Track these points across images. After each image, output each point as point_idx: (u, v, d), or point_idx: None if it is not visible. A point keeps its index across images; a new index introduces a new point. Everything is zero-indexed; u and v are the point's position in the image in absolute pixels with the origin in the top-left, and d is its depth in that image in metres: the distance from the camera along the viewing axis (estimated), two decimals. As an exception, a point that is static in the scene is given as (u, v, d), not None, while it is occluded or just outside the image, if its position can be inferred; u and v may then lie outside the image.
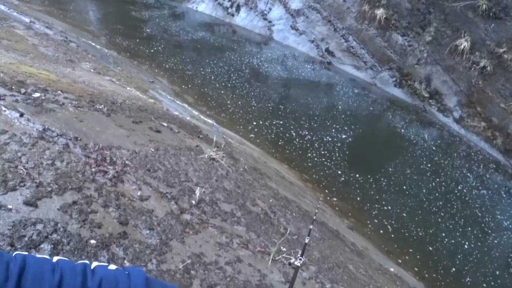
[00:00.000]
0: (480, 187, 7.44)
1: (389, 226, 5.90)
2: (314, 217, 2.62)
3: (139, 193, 2.36)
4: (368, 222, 5.90)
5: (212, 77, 9.18)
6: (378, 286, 3.28)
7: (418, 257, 5.53)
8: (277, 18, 12.36)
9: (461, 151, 8.51)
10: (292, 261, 2.60)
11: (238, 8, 13.03)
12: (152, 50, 10.06)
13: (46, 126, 2.56)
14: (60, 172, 2.12)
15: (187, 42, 11.23)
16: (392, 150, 8.11)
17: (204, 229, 2.41)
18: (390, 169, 7.29)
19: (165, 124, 4.14)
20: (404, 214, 6.23)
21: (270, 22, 12.47)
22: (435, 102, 9.96)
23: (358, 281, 3.07)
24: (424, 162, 7.80)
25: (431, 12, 10.25)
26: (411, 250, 5.62)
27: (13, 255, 0.70)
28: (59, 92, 3.41)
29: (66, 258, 0.74)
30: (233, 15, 13.04)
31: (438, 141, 8.76)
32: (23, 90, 3.07)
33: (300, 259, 1.90)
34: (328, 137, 7.72)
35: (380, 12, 10.62)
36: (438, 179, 7.32)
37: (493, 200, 7.14)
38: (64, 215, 1.86)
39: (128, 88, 5.71)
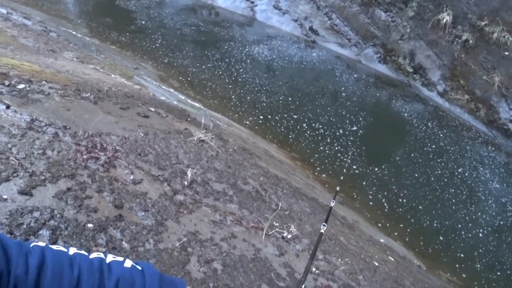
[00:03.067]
0: (464, 157, 7.65)
1: (378, 200, 6.06)
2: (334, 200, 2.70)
3: (131, 177, 2.41)
4: (358, 196, 6.05)
5: (197, 61, 9.11)
6: (369, 256, 3.42)
7: (408, 228, 5.72)
8: (259, -3, 12.22)
9: (446, 123, 8.69)
10: (285, 234, 2.70)
11: (219, -11, 12.81)
12: (134, 36, 9.90)
13: (34, 117, 2.57)
14: (51, 160, 2.15)
15: (169, 26, 11.06)
16: (378, 125, 8.22)
17: (198, 208, 2.48)
18: (376, 143, 7.43)
19: (153, 109, 4.15)
20: (393, 187, 6.40)
21: (252, 2, 12.32)
22: (419, 76, 10.07)
23: (349, 251, 3.20)
24: (410, 136, 7.97)
25: (414, -14, 10.26)
26: (400, 222, 5.81)
27: (31, 246, 0.68)
28: (44, 82, 3.39)
29: (82, 251, 0.73)
30: (214, -4, 12.84)
31: (423, 115, 8.92)
32: (7, 82, 3.04)
33: (324, 225, 2.00)
34: (314, 114, 7.79)
35: (362, -12, 10.58)
36: (424, 152, 7.50)
37: (477, 169, 7.36)
38: (59, 202, 1.90)
39: (113, 76, 5.66)
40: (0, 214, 1.80)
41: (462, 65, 9.52)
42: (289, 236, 2.70)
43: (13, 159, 2.02)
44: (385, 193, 6.21)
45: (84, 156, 2.32)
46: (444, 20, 9.50)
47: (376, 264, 3.36)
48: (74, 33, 8.40)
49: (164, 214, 2.21)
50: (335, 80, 9.57)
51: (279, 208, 3.18)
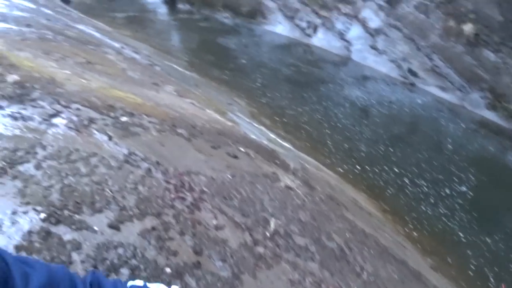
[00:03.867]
0: None
1: (482, 272, 5.25)
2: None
3: (214, 222, 2.35)
4: (454, 263, 5.31)
5: (289, 100, 9.19)
6: None
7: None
8: (356, 37, 12.09)
9: None
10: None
11: (315, 29, 13.02)
12: (230, 72, 10.42)
13: (131, 150, 2.70)
14: (141, 196, 2.20)
15: (264, 64, 11.45)
16: (490, 183, 7.27)
17: (277, 263, 2.31)
18: (488, 206, 6.55)
19: (243, 150, 4.17)
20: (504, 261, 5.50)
21: (348, 42, 12.24)
22: (536, 126, 8.86)
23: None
24: None
25: (528, 26, 9.25)
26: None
27: (128, 286, 0.80)
28: (144, 116, 3.61)
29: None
30: (310, 36, 13.06)
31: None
32: (112, 114, 3.29)
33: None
34: (411, 165, 7.21)
35: (468, 28, 9.84)
36: None
37: None
38: (143, 240, 1.90)
39: (207, 111, 5.92)
40: (89, 246, 1.85)
41: None
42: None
43: (108, 191, 2.10)
44: (494, 266, 5.35)
45: (172, 195, 2.34)
46: None
47: None
48: (176, 67, 9.11)
49: (241, 267, 2.09)
50: (439, 128, 8.84)
51: (364, 271, 2.86)
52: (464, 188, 6.81)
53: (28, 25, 5.98)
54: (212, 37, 12.90)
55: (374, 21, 11.56)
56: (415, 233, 5.62)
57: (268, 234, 2.56)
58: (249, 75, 10.33)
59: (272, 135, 6.90)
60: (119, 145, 2.71)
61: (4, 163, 2.00)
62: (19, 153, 2.12)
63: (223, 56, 11.62)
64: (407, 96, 10.20)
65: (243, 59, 11.53)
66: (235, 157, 3.77)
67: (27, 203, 1.83)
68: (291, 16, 13.42)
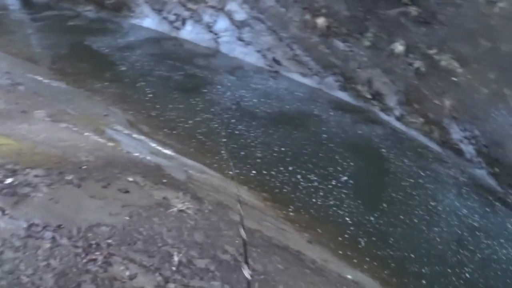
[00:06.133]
0: (423, 175, 8.33)
1: (343, 229, 6.57)
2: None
3: (127, 273, 2.72)
4: (324, 230, 6.54)
5: (161, 98, 9.38)
6: (336, 305, 3.87)
7: (372, 255, 6.22)
8: (223, 30, 12.67)
9: (404, 145, 9.40)
10: (263, 305, 3.09)
11: (183, 22, 13.17)
12: (99, 75, 10.05)
13: (30, 220, 2.83)
14: (57, 271, 2.44)
15: (134, 61, 11.27)
16: (338, 149, 8.73)
17: (187, 294, 2.83)
18: (339, 169, 7.95)
19: (131, 179, 4.44)
20: (356, 213, 6.91)
21: (216, 34, 12.76)
22: (377, 102, 10.80)
23: (319, 305, 3.64)
24: (371, 158, 8.58)
25: (368, 19, 11.06)
26: (365, 251, 6.30)
27: None
28: (28, 170, 3.62)
29: None
30: (179, 29, 13.17)
31: (383, 138, 9.61)
32: (-4, 179, 3.26)
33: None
34: (279, 146, 8.27)
35: (321, 21, 11.28)
36: (383, 174, 8.14)
37: (436, 187, 8.02)
38: (73, 320, 2.20)
39: (86, 134, 5.88)
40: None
41: (416, 91, 10.33)
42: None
43: (24, 277, 2.29)
44: (348, 219, 6.72)
45: (84, 260, 2.62)
46: (398, 49, 10.34)
47: (343, 312, 3.82)
48: (41, 79, 8.47)
49: (159, 309, 2.55)
50: (297, 108, 10.12)
51: (255, 273, 3.58)
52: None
53: None
54: (80, 38, 12.03)
55: (240, 14, 12.26)
56: (291, 214, 6.67)
57: (174, 268, 3.03)
58: (114, 76, 10.12)
59: (153, 144, 7.14)
60: (15, 218, 2.81)
61: None
62: None
63: (87, 58, 11.03)
64: (271, 83, 11.27)
65: (107, 58, 11.13)
66: (127, 191, 4.06)
67: None
68: (158, 9, 13.27)
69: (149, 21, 13.49)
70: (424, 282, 5.92)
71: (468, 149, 9.25)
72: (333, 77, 11.39)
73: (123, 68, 10.73)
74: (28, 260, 2.44)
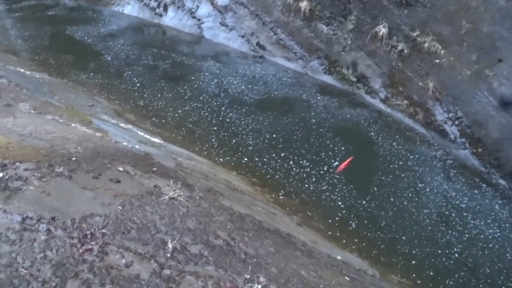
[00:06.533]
0: (409, 157, 8.54)
1: (332, 212, 6.74)
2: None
3: (123, 261, 2.79)
4: (314, 213, 6.70)
5: (148, 87, 9.33)
6: (327, 283, 4.02)
7: (361, 237, 6.41)
8: (206, 15, 12.55)
9: (389, 127, 9.59)
10: (255, 287, 3.21)
11: (165, 8, 12.98)
12: (82, 65, 9.90)
13: (24, 214, 2.85)
14: (54, 262, 2.49)
15: (117, 50, 11.11)
16: (327, 134, 8.88)
17: (183, 278, 2.91)
18: (330, 154, 8.10)
19: (121, 169, 4.47)
20: (346, 194, 7.08)
21: (199, 20, 12.63)
22: (362, 85, 10.92)
23: (310, 285, 3.77)
24: (359, 141, 8.75)
25: (351, 2, 11.07)
26: (354, 233, 6.47)
27: None
28: (18, 163, 3.62)
29: None
30: (161, 15, 12.99)
31: (369, 120, 9.77)
32: (-15, 173, 3.26)
33: None
34: (270, 133, 8.36)
35: (304, 4, 11.25)
36: (370, 156, 8.33)
37: (421, 167, 8.25)
38: (73, 308, 2.26)
39: (73, 125, 5.84)
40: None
41: (400, 73, 10.47)
42: (259, 287, 3.21)
43: (22, 269, 2.34)
44: (339, 203, 6.89)
45: (80, 250, 2.67)
46: (381, 32, 10.40)
47: (333, 290, 3.98)
48: (22, 71, 8.31)
49: (156, 294, 2.63)
50: (284, 93, 10.19)
51: (248, 256, 3.69)
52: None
53: None
54: (61, 28, 11.77)
55: (221, -2, 12.14)
56: (281, 198, 6.80)
57: (168, 255, 3.11)
58: (97, 65, 9.99)
59: (141, 133, 7.13)
60: (9, 212, 2.83)
61: None
62: None
63: (69, 48, 10.81)
64: (256, 68, 11.26)
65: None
66: (118, 181, 4.09)
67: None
68: (139, -5, 13.04)
69: (130, 8, 13.26)
70: (413, 262, 6.14)
71: (452, 130, 9.47)
72: (318, 61, 11.45)
73: (107, 58, 10.58)
74: (25, 253, 2.48)
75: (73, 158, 4.25)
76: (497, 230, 6.90)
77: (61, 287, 2.33)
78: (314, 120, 9.20)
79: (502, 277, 6.09)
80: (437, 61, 9.89)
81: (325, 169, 7.64)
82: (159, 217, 3.63)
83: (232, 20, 12.28)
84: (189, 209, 4.09)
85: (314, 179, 7.35)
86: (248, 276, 3.29)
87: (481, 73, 9.08)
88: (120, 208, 3.49)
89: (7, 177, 3.31)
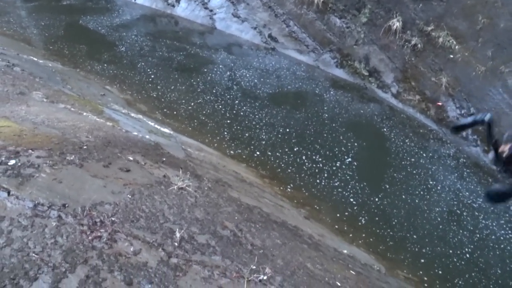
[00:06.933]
0: (419, 153, 8.48)
1: (340, 206, 6.74)
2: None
3: (132, 249, 2.84)
4: (321, 207, 6.70)
5: (159, 78, 9.37)
6: (332, 276, 4.04)
7: (369, 232, 6.41)
8: (218, 6, 12.51)
9: (401, 123, 9.52)
10: (261, 277, 3.23)
11: (177, -2, 12.97)
12: (95, 55, 9.97)
13: (35, 200, 2.91)
14: (64, 248, 2.54)
15: (130, 40, 11.16)
16: (339, 128, 8.86)
17: (190, 267, 2.95)
18: (342, 148, 8.08)
19: (131, 158, 4.52)
20: (356, 189, 7.07)
21: (211, 11, 12.59)
22: (374, 79, 10.82)
23: (315, 277, 3.79)
24: (368, 136, 8.71)
25: (365, -5, 10.93)
26: (362, 227, 6.48)
27: None
28: (30, 151, 3.68)
29: None
30: (173, 6, 12.99)
31: (380, 116, 9.70)
32: (-2, 159, 3.32)
33: None
34: (277, 125, 8.36)
35: (316, -4, 11.14)
36: (380, 150, 8.29)
37: (431, 164, 8.19)
38: (83, 292, 2.31)
39: (85, 114, 5.90)
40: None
41: (413, 68, 10.35)
42: (265, 278, 3.24)
43: (33, 254, 2.40)
44: (347, 197, 6.88)
45: (89, 237, 2.72)
46: (395, 26, 10.27)
47: (339, 284, 3.99)
48: (36, 59, 8.40)
49: (165, 281, 2.67)
50: (296, 86, 10.15)
51: (254, 248, 3.71)
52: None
53: None
54: (75, 18, 11.86)
55: (235, -11, 12.07)
56: (289, 190, 6.81)
57: (176, 244, 3.15)
58: (111, 55, 10.06)
59: (151, 123, 7.19)
60: (21, 199, 2.89)
61: None
62: None
63: (82, 38, 10.89)
64: (268, 60, 11.22)
65: (104, 37, 11.00)
66: (128, 170, 4.13)
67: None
68: (152, -15, 13.04)
69: (142, -2, 13.27)
70: (421, 260, 6.12)
71: (464, 126, 9.32)
72: (330, 54, 11.36)
73: (120, 48, 10.64)
74: (36, 238, 2.54)
75: (84, 147, 4.31)
76: (509, 231, 6.83)
77: (71, 272, 2.38)
78: (327, 115, 9.16)
79: (503, 275, 6.05)
80: (452, 56, 9.74)
81: (338, 165, 7.63)
82: (168, 206, 3.67)
83: (244, 12, 12.22)
84: (197, 200, 4.12)
85: (325, 174, 7.35)
86: (254, 267, 3.32)
87: (496, 69, 8.92)
88: (130, 196, 3.53)
89: (19, 164, 3.37)
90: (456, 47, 9.51)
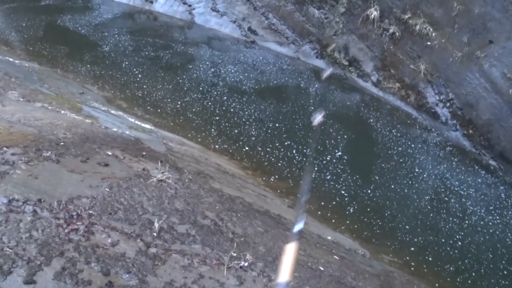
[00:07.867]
0: (399, 139, 8.62)
1: (324, 193, 6.82)
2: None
3: (109, 240, 2.84)
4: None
5: (139, 74, 9.30)
6: (315, 262, 4.10)
7: (353, 217, 6.50)
8: (197, 1, 12.42)
9: (382, 110, 9.64)
10: (242, 264, 3.27)
11: (156, -6, 12.83)
12: (72, 54, 9.83)
13: (10, 196, 2.88)
14: (40, 242, 2.53)
15: (110, 39, 11.01)
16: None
17: (169, 256, 2.97)
18: (321, 137, 8.15)
19: (110, 153, 4.49)
20: (339, 176, 7.16)
21: (190, 6, 12.50)
22: (354, 69, 10.91)
23: (298, 263, 3.84)
24: (351, 125, 8.80)
25: (343, -16, 10.97)
26: (346, 213, 6.56)
27: None
28: (5, 148, 3.63)
29: None
30: (152, 2, 12.85)
31: (361, 104, 9.82)
32: (-28, 158, 3.28)
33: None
34: (259, 118, 8.39)
35: (294, -13, 11.14)
36: (362, 138, 8.40)
37: (413, 150, 8.34)
38: (59, 283, 2.31)
39: (63, 112, 5.83)
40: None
41: (391, 56, 10.46)
42: (246, 264, 3.28)
43: (8, 249, 2.38)
44: (331, 185, 6.96)
45: (66, 230, 2.71)
46: (372, 15, 10.35)
47: (322, 268, 4.06)
48: (11, 60, 8.24)
49: (143, 271, 2.68)
50: (276, 79, 10.18)
51: (235, 236, 3.74)
52: (299, 123, 8.33)
53: None
54: (53, 17, 11.62)
55: (211, -17, 12.00)
56: (272, 180, 6.86)
57: (155, 234, 3.16)
58: (89, 53, 9.93)
59: (132, 119, 7.13)
60: (-5, 194, 2.86)
61: None
62: None
63: (58, 37, 10.71)
64: (248, 53, 11.22)
65: (81, 34, 10.84)
66: (106, 165, 4.11)
67: None
68: (127, -19, 12.86)
69: (120, -6, 13.09)
70: (413, 249, 6.22)
71: (443, 112, 9.52)
72: (310, 45, 11.41)
73: (103, 48, 10.48)
74: (10, 233, 2.52)
75: (61, 143, 4.27)
76: (486, 211, 7.01)
77: (46, 265, 2.37)
78: (313, 108, 9.18)
79: (488, 258, 6.21)
80: (429, 43, 9.88)
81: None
82: (147, 198, 3.67)
83: (223, 5, 12.16)
84: (177, 191, 4.13)
85: (306, 163, 7.41)
86: (235, 254, 3.35)
87: (472, 54, 9.08)
88: (108, 190, 3.52)
89: (-6, 161, 3.33)
90: (433, 34, 9.65)
